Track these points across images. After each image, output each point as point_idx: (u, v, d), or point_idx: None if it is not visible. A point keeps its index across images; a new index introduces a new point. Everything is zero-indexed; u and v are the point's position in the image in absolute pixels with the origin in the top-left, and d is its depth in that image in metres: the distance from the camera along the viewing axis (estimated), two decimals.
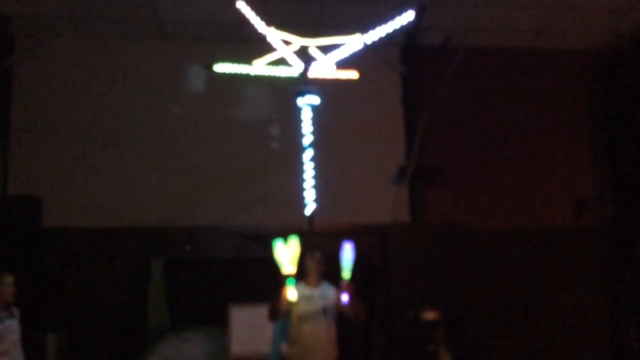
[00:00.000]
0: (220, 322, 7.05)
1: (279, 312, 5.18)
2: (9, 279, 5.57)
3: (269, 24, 6.27)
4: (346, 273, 5.16)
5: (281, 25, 6.53)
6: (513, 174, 8.47)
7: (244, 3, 6.00)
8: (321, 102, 7.33)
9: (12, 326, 5.50)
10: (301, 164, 6.65)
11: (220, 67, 6.70)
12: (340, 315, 5.31)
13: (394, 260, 7.79)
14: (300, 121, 6.69)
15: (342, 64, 6.74)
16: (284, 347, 5.50)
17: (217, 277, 7.44)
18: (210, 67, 6.72)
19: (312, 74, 6.53)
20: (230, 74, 6.80)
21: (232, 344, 6.90)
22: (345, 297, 5.10)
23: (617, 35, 8.48)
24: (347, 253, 5.22)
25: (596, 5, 7.79)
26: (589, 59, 8.89)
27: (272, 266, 5.77)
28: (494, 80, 8.69)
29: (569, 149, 8.66)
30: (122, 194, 7.76)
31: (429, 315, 7.14)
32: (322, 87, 7.02)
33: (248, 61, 6.78)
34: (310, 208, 6.50)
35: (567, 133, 8.71)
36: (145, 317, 7.25)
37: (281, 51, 6.42)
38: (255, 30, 6.24)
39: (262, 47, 6.49)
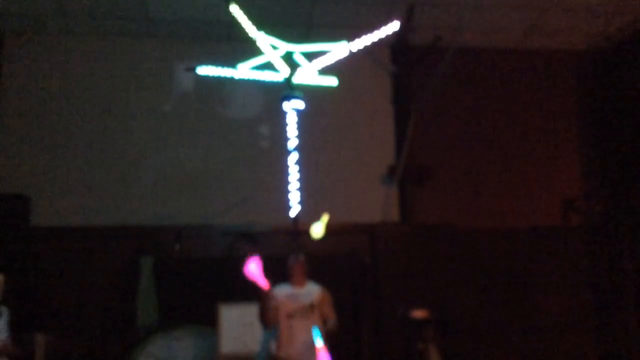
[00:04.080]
0: (209, 321, 7.04)
1: (268, 321, 5.37)
2: (0, 278, 5.53)
3: (257, 25, 6.30)
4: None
5: (269, 26, 6.55)
6: (502, 174, 8.51)
7: (237, 7, 6.05)
8: (312, 101, 7.37)
9: (0, 326, 5.45)
10: (290, 164, 6.69)
11: (204, 70, 6.69)
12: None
13: (383, 259, 7.82)
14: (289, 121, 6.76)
15: (332, 64, 6.78)
16: (273, 346, 5.53)
17: (206, 276, 7.44)
18: (194, 69, 6.72)
19: (297, 79, 6.61)
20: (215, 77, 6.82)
21: (222, 343, 6.89)
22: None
23: (606, 36, 8.53)
24: None
25: (584, 6, 7.83)
26: (577, 59, 8.94)
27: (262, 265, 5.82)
28: (483, 80, 8.73)
29: (557, 149, 8.71)
30: (110, 193, 7.74)
31: (418, 313, 7.15)
32: (311, 86, 7.09)
33: (238, 60, 6.78)
34: (295, 210, 6.57)
35: (556, 133, 8.76)
36: (134, 316, 7.23)
37: (268, 55, 6.48)
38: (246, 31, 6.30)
39: (252, 46, 6.50)
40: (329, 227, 7.69)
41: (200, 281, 7.44)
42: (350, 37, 6.88)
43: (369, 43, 6.51)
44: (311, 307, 5.36)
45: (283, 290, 5.46)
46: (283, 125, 6.94)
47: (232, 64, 6.84)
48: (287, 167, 6.67)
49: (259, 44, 6.32)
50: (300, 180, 6.71)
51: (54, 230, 7.44)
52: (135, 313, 7.22)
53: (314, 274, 5.64)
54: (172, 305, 7.38)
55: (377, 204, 8.15)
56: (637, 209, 8.20)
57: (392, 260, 7.79)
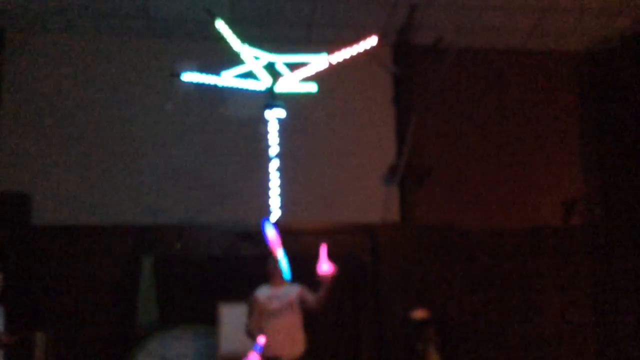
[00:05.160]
0: (209, 320, 7.05)
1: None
2: None
3: (258, 24, 6.45)
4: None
5: (270, 25, 6.57)
6: (503, 175, 8.51)
7: (222, 22, 6.26)
8: (312, 101, 7.42)
9: None
10: (291, 163, 6.79)
11: (188, 77, 6.86)
12: (303, 308, 5.74)
13: (383, 259, 7.82)
14: (287, 119, 6.91)
15: (333, 64, 6.91)
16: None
17: (206, 275, 7.45)
18: (178, 75, 6.85)
19: (279, 88, 6.83)
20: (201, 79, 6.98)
21: (221, 343, 6.90)
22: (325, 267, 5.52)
23: (607, 37, 8.52)
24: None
25: (587, 7, 7.82)
26: (579, 60, 8.93)
27: (262, 264, 5.87)
28: (485, 81, 8.72)
29: (558, 150, 8.71)
30: (111, 191, 7.74)
31: (419, 314, 7.17)
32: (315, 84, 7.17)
33: (239, 59, 6.82)
34: (275, 215, 6.83)
35: (557, 133, 8.76)
36: (134, 315, 7.24)
37: (251, 66, 6.66)
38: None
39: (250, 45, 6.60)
40: (330, 227, 7.74)
41: (200, 280, 7.46)
42: (352, 37, 6.94)
43: (348, 56, 6.80)
44: (290, 305, 5.65)
45: (263, 292, 5.78)
46: (285, 124, 7.04)
47: (232, 62, 6.87)
48: (287, 166, 6.81)
49: (242, 56, 6.55)
50: (301, 180, 6.80)
51: (54, 229, 7.44)
52: (136, 312, 7.23)
53: (313, 275, 5.67)
54: (173, 304, 7.39)
55: (378, 204, 8.15)
56: (637, 209, 8.20)
57: (392, 260, 7.79)
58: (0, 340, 5.39)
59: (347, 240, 7.81)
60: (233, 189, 7.94)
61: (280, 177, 7.34)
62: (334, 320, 7.56)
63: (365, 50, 6.93)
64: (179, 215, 7.74)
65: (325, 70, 6.93)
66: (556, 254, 8.29)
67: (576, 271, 8.31)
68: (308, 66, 6.87)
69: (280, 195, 7.24)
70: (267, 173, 7.84)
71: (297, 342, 5.63)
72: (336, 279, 5.60)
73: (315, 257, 5.60)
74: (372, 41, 6.78)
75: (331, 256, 5.62)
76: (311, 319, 5.84)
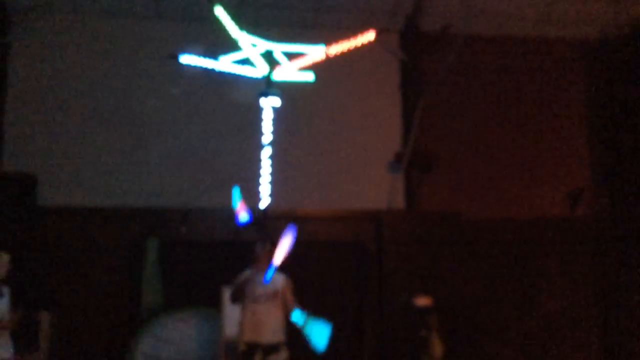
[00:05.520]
0: (214, 303, 7.07)
1: (240, 294, 5.68)
2: (5, 257, 5.54)
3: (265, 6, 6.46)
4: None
5: (276, 9, 6.52)
6: (509, 163, 8.48)
7: (222, 9, 6.25)
8: (319, 87, 7.39)
9: (2, 305, 5.45)
10: (298, 150, 6.80)
11: (186, 59, 6.88)
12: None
13: (388, 246, 7.82)
14: (293, 105, 6.93)
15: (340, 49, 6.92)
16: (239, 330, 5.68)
17: (211, 259, 7.47)
18: (176, 57, 6.85)
19: (276, 76, 6.85)
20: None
21: (226, 326, 6.92)
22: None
23: (617, 25, 8.45)
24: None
25: None
26: (589, 48, 8.86)
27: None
28: (492, 68, 8.67)
29: (565, 139, 8.67)
30: (118, 174, 7.76)
31: (422, 301, 7.17)
32: (319, 71, 7.11)
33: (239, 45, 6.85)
34: (265, 202, 6.91)
35: (564, 123, 8.71)
36: (139, 297, 7.27)
37: (249, 53, 6.71)
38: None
39: (257, 29, 6.59)
40: (336, 214, 7.74)
41: (205, 263, 7.47)
42: (360, 22, 6.92)
43: (346, 49, 6.81)
44: (275, 294, 5.60)
45: (250, 275, 5.70)
46: (291, 109, 7.03)
47: (236, 47, 6.87)
48: (293, 152, 6.82)
49: (240, 43, 6.55)
50: (307, 166, 6.84)
51: (60, 210, 7.46)
52: (140, 294, 7.26)
53: (318, 261, 5.68)
54: (177, 287, 7.42)
55: (383, 191, 8.14)
56: None
57: (397, 247, 7.79)
58: (6, 321, 5.41)
59: (352, 227, 7.82)
60: (238, 174, 7.93)
61: (287, 164, 7.36)
62: (337, 305, 7.57)
63: (363, 44, 6.97)
64: (184, 198, 7.74)
65: (331, 57, 6.93)
66: (561, 244, 8.27)
67: (581, 262, 8.28)
68: (306, 56, 6.92)
69: (286, 181, 7.28)
70: (273, 158, 7.87)
71: (276, 331, 5.56)
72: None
73: (319, 243, 5.61)
74: (369, 36, 6.81)
75: (336, 242, 5.65)
76: (313, 304, 5.84)
